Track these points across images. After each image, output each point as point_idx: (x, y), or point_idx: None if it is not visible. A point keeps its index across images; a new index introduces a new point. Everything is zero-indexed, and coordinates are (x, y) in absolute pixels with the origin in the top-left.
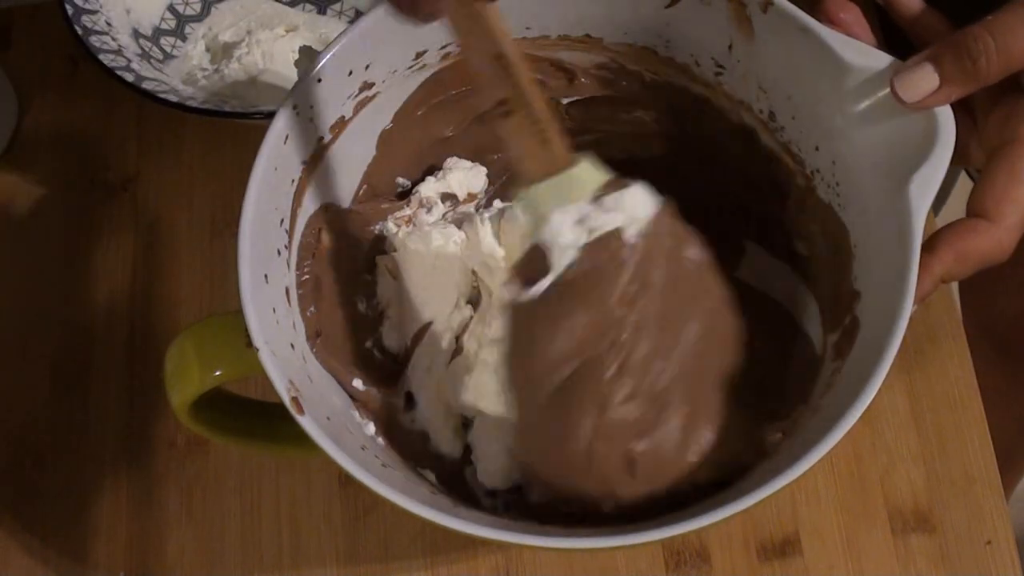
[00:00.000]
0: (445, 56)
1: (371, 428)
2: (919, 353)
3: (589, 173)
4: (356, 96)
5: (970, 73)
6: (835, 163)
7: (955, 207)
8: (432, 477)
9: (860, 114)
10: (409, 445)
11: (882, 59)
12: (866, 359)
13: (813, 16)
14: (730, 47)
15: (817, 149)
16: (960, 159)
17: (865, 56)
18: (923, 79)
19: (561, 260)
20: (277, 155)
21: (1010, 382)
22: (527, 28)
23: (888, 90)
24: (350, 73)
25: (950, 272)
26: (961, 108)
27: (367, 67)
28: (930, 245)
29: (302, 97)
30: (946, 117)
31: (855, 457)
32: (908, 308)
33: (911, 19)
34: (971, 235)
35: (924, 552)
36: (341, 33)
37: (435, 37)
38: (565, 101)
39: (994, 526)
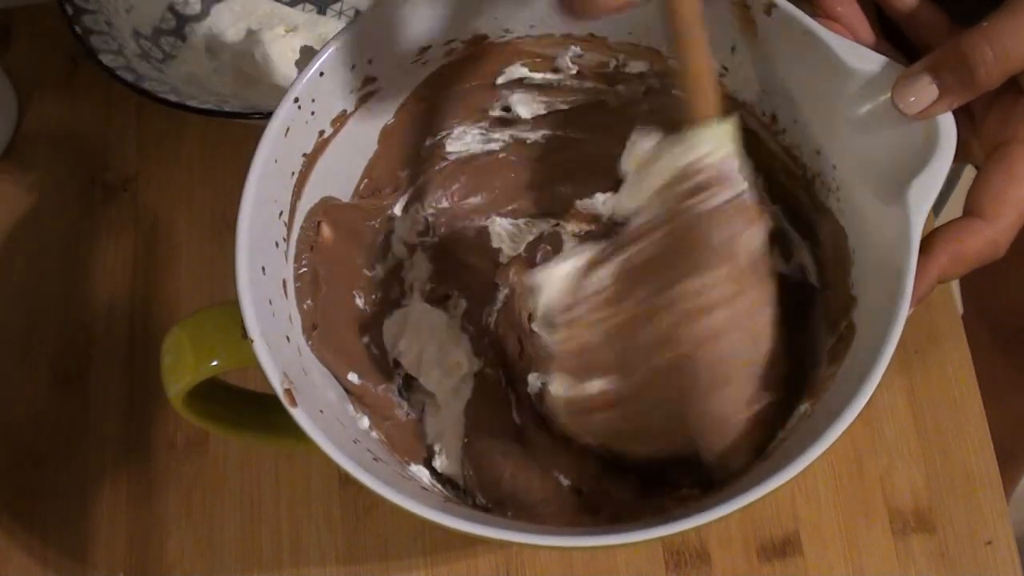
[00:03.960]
0: (449, 52)
1: (365, 422)
2: (919, 353)
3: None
4: (358, 90)
5: (969, 83)
6: (835, 167)
7: (957, 209)
8: (425, 473)
9: (862, 118)
10: (403, 440)
11: (884, 64)
12: (861, 363)
13: (810, 11)
14: (733, 49)
15: (818, 153)
16: (961, 156)
17: (867, 60)
18: (922, 90)
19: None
20: (278, 147)
21: (1012, 376)
22: (531, 26)
23: (889, 95)
24: (353, 67)
25: (946, 273)
26: (961, 105)
27: (370, 61)
28: (926, 246)
29: (304, 90)
30: (947, 123)
31: (855, 457)
32: (904, 315)
33: (906, 15)
34: (967, 235)
35: (924, 552)
36: (344, 27)
37: (439, 32)
38: (564, 106)
39: (994, 526)
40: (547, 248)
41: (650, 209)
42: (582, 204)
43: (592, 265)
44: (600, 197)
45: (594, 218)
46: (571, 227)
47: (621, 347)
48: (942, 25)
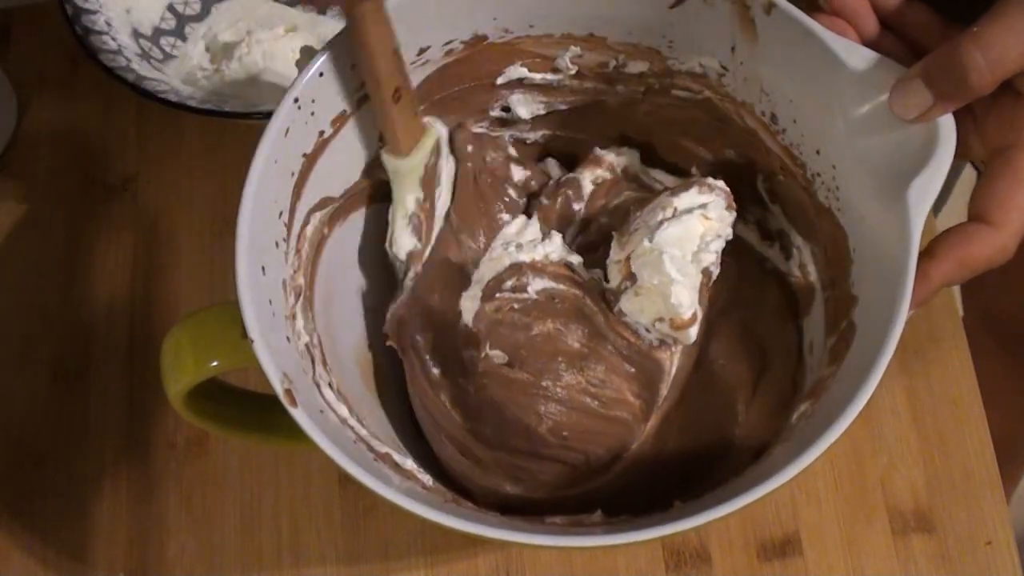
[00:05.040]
0: (448, 53)
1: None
2: (919, 353)
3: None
4: (358, 90)
5: (962, 88)
6: (835, 167)
7: (957, 208)
8: (427, 475)
9: (861, 119)
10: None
11: (883, 64)
12: (861, 363)
13: (809, 8)
14: (733, 49)
15: (818, 153)
16: (962, 153)
17: (867, 61)
18: (916, 97)
19: None
20: (278, 147)
21: (1012, 376)
22: (531, 26)
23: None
24: (353, 67)
25: (950, 278)
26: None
27: None
28: (931, 251)
29: (304, 90)
30: (947, 123)
31: (855, 457)
32: (904, 314)
33: (898, 16)
34: (973, 242)
35: (924, 552)
36: (345, 27)
37: (438, 33)
38: (564, 106)
39: (994, 526)
40: (568, 193)
41: None
42: (601, 152)
43: None
44: (616, 150)
45: (611, 166)
46: (588, 174)
47: None
48: (934, 26)
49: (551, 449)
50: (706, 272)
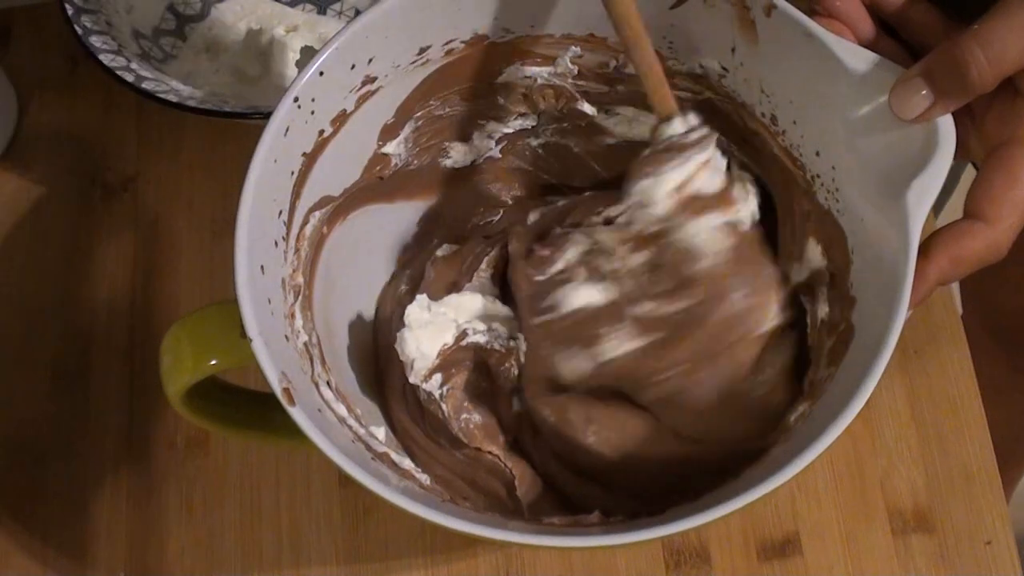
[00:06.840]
0: (448, 52)
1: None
2: (919, 353)
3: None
4: (358, 90)
5: (963, 87)
6: (835, 168)
7: (957, 209)
8: (426, 475)
9: (861, 120)
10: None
11: (883, 65)
12: (860, 363)
13: (809, 9)
14: (733, 50)
15: (818, 154)
16: (961, 154)
17: (866, 62)
18: (917, 95)
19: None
20: (277, 146)
21: (1012, 376)
22: (531, 26)
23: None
24: (352, 67)
25: (945, 276)
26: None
27: (370, 61)
28: (925, 249)
29: (304, 90)
30: (946, 124)
31: (855, 457)
32: (902, 316)
33: (899, 16)
34: (967, 238)
35: (924, 552)
36: (344, 27)
37: (439, 32)
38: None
39: (994, 526)
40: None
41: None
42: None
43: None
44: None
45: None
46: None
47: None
48: (936, 24)
49: None
50: None
